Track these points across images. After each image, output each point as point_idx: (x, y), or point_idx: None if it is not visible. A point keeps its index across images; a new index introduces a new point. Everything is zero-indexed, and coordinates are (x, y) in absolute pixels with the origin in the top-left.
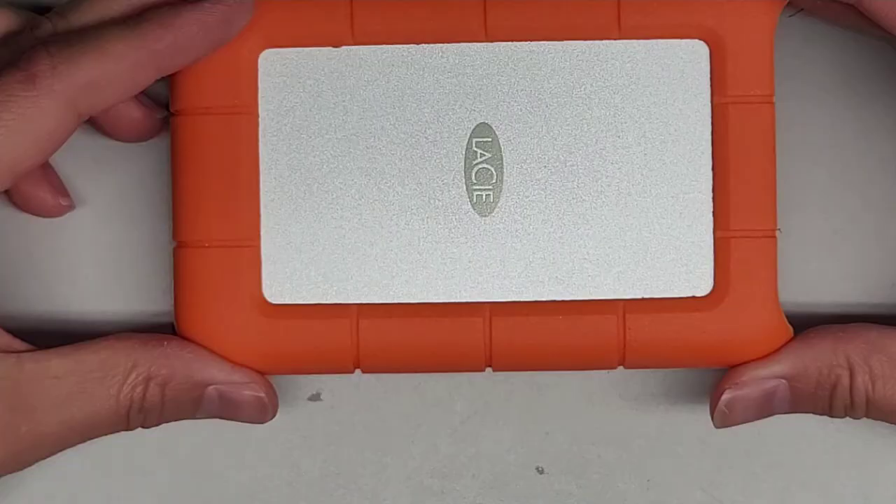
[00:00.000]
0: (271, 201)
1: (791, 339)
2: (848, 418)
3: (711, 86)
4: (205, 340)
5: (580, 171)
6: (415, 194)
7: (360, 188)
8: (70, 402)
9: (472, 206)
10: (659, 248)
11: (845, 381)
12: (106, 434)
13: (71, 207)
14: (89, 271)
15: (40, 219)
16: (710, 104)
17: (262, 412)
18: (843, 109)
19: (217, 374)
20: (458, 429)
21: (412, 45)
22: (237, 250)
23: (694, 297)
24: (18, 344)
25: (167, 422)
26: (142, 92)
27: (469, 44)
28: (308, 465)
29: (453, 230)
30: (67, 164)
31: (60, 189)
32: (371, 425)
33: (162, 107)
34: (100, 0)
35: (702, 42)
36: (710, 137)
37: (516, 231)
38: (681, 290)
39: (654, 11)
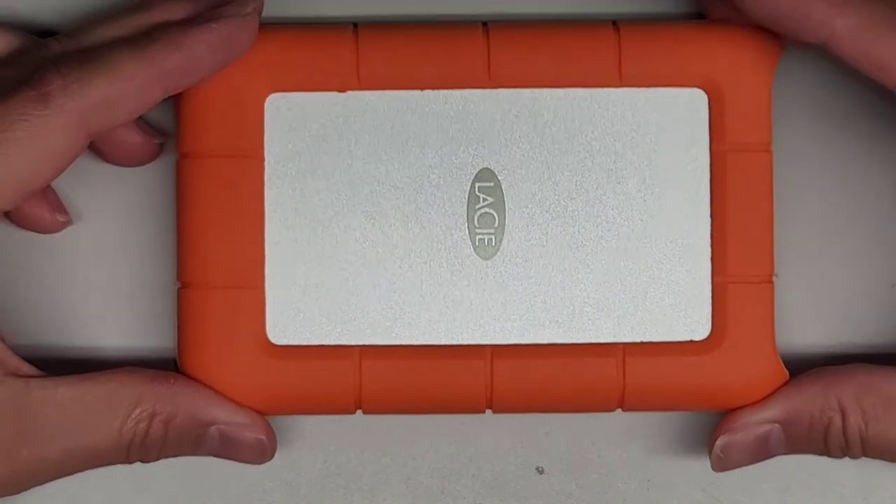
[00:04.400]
0: (276, 243)
1: (784, 384)
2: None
3: (710, 133)
4: (208, 380)
5: (581, 216)
6: (418, 238)
7: (363, 231)
8: (73, 431)
9: (475, 249)
10: (658, 292)
11: (837, 422)
12: (105, 465)
13: (68, 223)
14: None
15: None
16: (709, 152)
17: (262, 454)
18: (843, 111)
19: (221, 415)
20: (458, 429)
21: (416, 90)
22: (241, 291)
23: (692, 342)
24: (27, 368)
25: (167, 457)
26: (140, 118)
27: (472, 90)
28: (308, 465)
29: (455, 273)
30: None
31: (57, 205)
32: (371, 426)
33: (159, 133)
34: (108, 20)
35: (701, 91)
36: (708, 184)
37: (518, 275)
38: (679, 334)
39: (654, 60)
